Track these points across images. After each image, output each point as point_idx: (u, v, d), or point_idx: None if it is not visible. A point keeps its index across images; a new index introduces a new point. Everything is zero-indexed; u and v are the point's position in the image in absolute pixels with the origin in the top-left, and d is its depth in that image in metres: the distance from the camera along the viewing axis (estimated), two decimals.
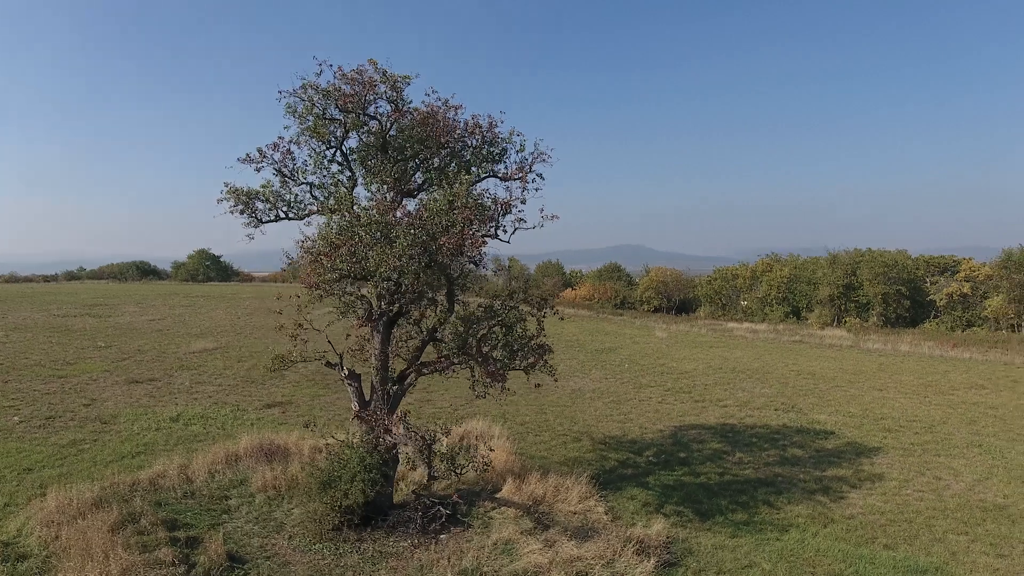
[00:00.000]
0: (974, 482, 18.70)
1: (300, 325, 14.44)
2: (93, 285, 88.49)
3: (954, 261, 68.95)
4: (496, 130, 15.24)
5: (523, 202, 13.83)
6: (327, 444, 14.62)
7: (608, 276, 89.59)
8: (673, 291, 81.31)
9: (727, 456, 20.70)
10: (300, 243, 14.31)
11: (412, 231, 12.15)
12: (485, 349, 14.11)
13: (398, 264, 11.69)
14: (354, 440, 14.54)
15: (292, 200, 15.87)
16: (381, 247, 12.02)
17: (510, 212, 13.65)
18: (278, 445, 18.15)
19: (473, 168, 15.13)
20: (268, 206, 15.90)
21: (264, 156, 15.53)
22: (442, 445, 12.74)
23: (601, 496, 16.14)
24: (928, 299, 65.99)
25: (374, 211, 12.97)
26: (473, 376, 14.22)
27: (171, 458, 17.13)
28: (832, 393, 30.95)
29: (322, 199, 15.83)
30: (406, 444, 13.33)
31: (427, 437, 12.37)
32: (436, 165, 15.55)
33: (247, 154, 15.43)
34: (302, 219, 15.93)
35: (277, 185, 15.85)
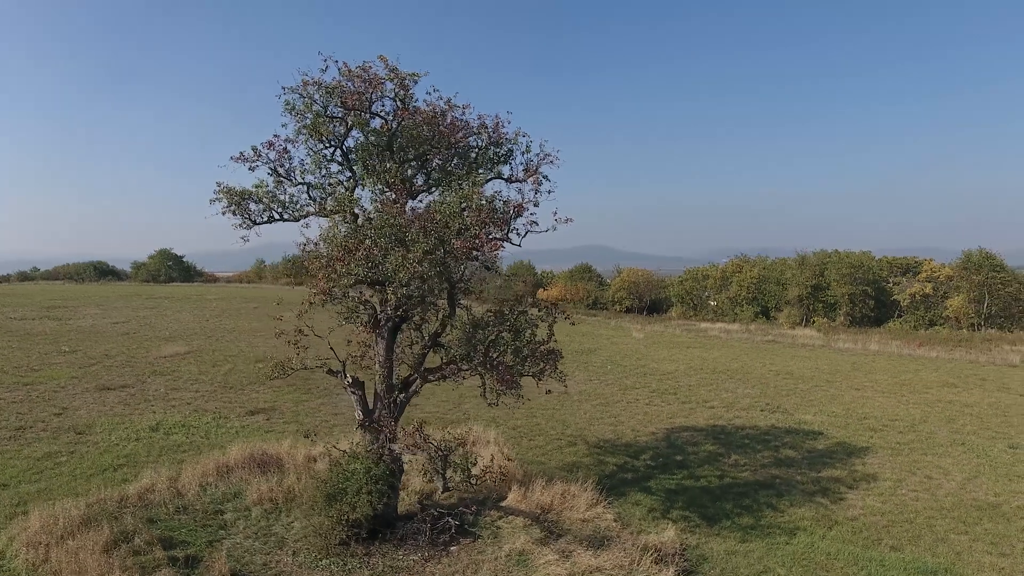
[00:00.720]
0: (964, 481, 19.05)
1: (301, 331, 13.86)
2: (48, 286, 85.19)
3: (916, 262, 71.05)
4: (502, 130, 14.89)
5: (536, 204, 13.50)
6: (330, 455, 14.05)
7: (579, 277, 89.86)
8: (644, 291, 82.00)
9: (723, 458, 20.71)
10: (302, 246, 13.73)
11: (426, 234, 11.72)
12: (494, 355, 13.73)
13: (419, 269, 11.24)
14: (358, 450, 14.03)
15: (287, 201, 15.30)
16: (397, 251, 11.55)
17: (522, 215, 13.31)
18: (270, 455, 17.46)
19: (480, 169, 14.75)
20: (262, 207, 15.30)
21: (259, 155, 14.92)
22: (456, 456, 12.33)
23: (607, 502, 15.92)
24: (892, 299, 67.84)
25: (385, 213, 12.49)
26: (483, 383, 13.80)
27: (158, 470, 16.31)
28: (813, 393, 31.38)
29: (320, 200, 15.27)
30: (414, 454, 12.90)
31: (442, 448, 11.95)
32: (439, 166, 15.12)
33: (240, 152, 14.81)
34: (298, 220, 15.35)
35: (271, 185, 15.28)
